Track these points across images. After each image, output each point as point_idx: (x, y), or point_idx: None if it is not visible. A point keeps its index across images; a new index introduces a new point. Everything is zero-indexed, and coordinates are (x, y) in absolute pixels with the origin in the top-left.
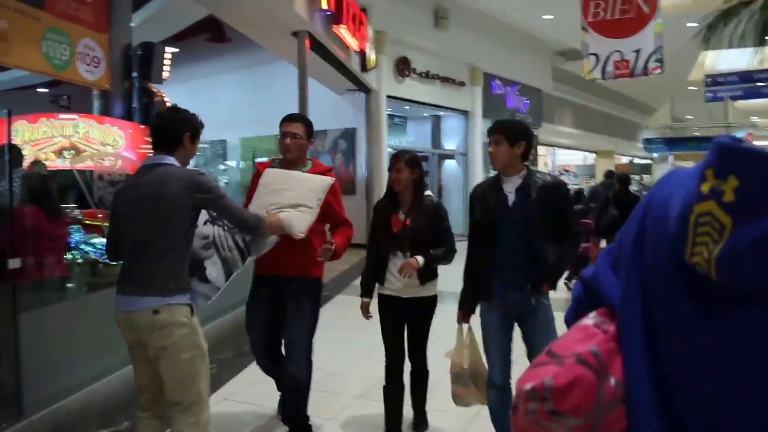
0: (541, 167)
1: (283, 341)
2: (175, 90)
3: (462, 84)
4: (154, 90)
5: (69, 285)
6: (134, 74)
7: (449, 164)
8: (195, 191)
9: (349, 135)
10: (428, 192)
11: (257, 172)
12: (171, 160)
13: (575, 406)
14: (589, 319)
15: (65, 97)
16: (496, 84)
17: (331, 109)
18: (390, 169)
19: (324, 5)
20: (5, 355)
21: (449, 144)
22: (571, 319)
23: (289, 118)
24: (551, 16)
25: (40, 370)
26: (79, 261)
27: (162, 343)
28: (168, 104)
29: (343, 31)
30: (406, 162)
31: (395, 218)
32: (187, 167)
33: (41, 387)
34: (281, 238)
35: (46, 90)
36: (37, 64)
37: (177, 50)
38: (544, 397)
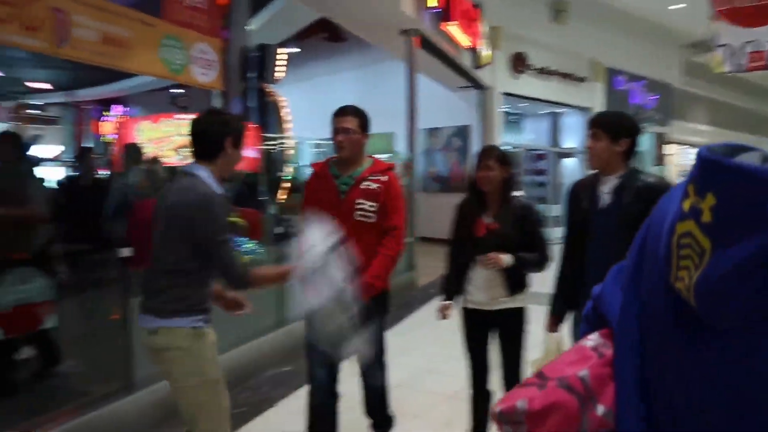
0: (671, 168)
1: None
2: (294, 89)
3: (582, 80)
4: (269, 90)
5: None
6: (250, 75)
7: (568, 163)
8: (199, 216)
9: (462, 133)
10: (518, 192)
11: (313, 174)
12: (201, 170)
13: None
14: (589, 341)
15: (184, 98)
16: (620, 79)
17: (444, 107)
18: (478, 166)
19: (432, 3)
20: (120, 335)
21: (568, 142)
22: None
23: (340, 112)
24: (682, 5)
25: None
26: None
27: (163, 367)
28: (282, 104)
29: (452, 28)
30: (498, 158)
31: (480, 221)
32: (226, 178)
33: (150, 365)
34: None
35: (182, 90)
36: (156, 68)
37: (298, 50)
38: (518, 421)
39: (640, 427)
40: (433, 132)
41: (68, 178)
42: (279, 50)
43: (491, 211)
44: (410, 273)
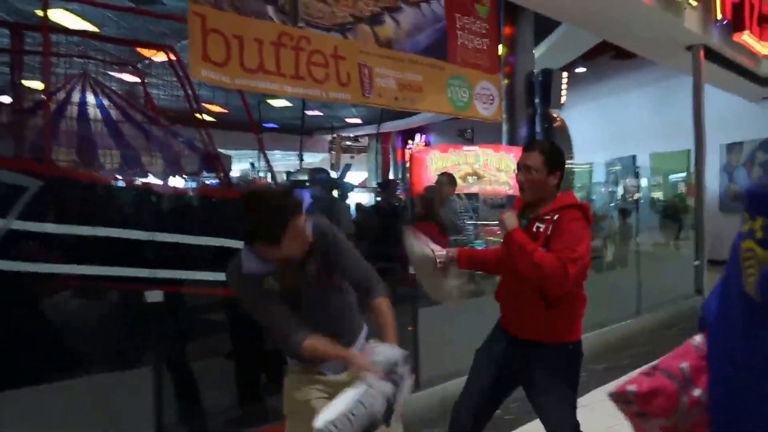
0: None
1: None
2: (583, 110)
3: None
4: (554, 115)
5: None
6: (536, 101)
7: None
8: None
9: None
10: None
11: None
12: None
13: (657, 409)
14: (694, 340)
15: (469, 130)
16: None
17: (746, 119)
18: None
19: (719, 16)
20: (411, 341)
21: None
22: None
23: (525, 146)
24: None
25: (433, 354)
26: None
27: None
28: (562, 128)
29: (746, 38)
30: None
31: None
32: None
33: (433, 368)
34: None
35: (467, 123)
36: (444, 106)
37: (584, 69)
38: (629, 401)
39: (722, 393)
40: (733, 147)
41: (375, 204)
42: (562, 73)
43: None
44: (697, 298)
